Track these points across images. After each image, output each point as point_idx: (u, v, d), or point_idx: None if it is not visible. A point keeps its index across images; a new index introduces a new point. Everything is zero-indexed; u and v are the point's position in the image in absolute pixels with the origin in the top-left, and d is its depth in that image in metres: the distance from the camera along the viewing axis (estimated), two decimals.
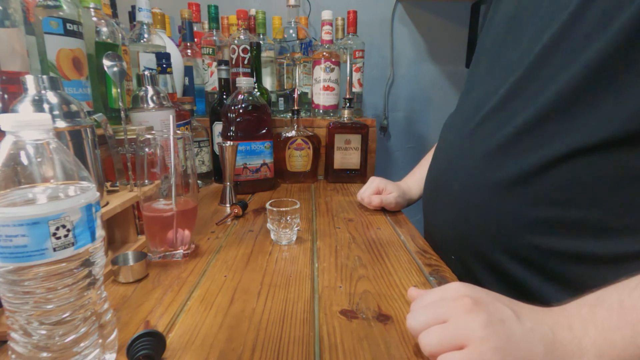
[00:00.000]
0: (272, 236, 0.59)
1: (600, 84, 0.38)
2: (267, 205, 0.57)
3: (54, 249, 0.26)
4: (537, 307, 0.33)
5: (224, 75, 0.95)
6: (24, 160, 0.27)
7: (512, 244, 0.45)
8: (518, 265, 0.45)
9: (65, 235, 0.26)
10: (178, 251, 0.52)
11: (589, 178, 0.39)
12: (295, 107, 0.94)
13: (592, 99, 0.39)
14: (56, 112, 0.40)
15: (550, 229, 0.42)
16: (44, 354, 0.27)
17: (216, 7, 1.07)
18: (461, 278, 0.49)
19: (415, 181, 0.78)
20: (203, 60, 1.10)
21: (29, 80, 0.38)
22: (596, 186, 0.39)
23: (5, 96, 0.44)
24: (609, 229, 0.39)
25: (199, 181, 0.91)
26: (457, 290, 0.33)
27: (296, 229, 0.59)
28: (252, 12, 1.16)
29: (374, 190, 0.74)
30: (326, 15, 1.05)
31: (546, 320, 0.31)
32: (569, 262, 0.42)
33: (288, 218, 0.57)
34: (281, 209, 0.56)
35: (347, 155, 0.95)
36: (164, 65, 0.77)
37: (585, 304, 0.31)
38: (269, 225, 0.58)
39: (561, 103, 0.41)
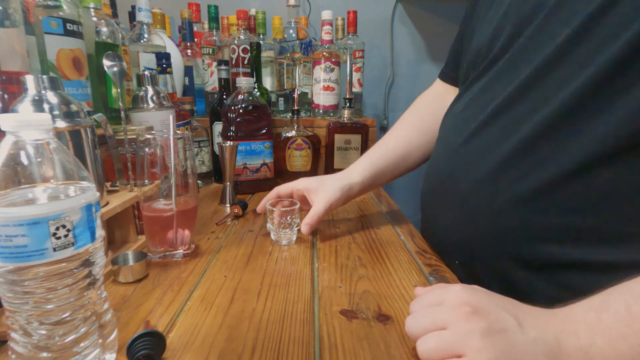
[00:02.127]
0: (272, 236, 0.59)
1: (613, 86, 0.37)
2: (267, 205, 0.57)
3: (54, 249, 0.26)
4: (541, 312, 0.32)
5: (224, 75, 0.95)
6: (24, 160, 0.27)
7: (523, 252, 0.44)
8: (528, 274, 0.44)
9: (65, 235, 0.26)
10: (178, 251, 0.52)
11: (606, 185, 0.38)
12: (295, 107, 0.94)
13: (607, 101, 0.37)
14: (56, 112, 0.40)
15: (564, 237, 0.41)
16: (44, 354, 0.27)
17: (216, 7, 1.07)
18: (464, 282, 0.48)
19: (359, 173, 0.65)
20: (203, 60, 1.10)
21: (29, 80, 0.38)
22: (612, 193, 0.38)
23: (5, 96, 0.44)
24: (623, 236, 0.38)
25: (199, 181, 0.91)
26: (459, 296, 0.32)
27: (296, 229, 0.59)
28: (252, 12, 1.16)
29: (275, 198, 0.62)
30: (326, 15, 1.05)
31: (551, 328, 0.30)
32: (581, 271, 0.40)
33: (288, 218, 0.57)
34: (281, 209, 0.56)
35: (347, 156, 0.95)
36: (164, 65, 0.77)
37: (591, 308, 0.30)
38: (269, 225, 0.58)
39: (575, 106, 0.39)
